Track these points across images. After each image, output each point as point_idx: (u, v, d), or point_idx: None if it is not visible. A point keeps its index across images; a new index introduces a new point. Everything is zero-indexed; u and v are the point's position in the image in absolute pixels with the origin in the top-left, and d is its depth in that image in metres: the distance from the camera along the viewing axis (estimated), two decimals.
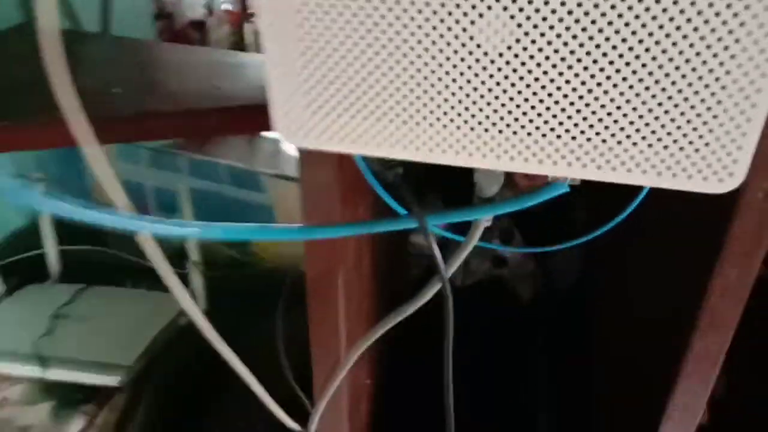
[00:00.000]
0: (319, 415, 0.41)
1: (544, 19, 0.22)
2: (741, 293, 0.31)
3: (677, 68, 0.22)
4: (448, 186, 0.37)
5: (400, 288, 0.67)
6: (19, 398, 0.81)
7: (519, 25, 0.22)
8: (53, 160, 1.06)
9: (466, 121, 0.25)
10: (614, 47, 0.22)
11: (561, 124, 0.24)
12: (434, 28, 0.23)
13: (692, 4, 0.20)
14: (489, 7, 0.22)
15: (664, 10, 0.20)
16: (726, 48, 0.21)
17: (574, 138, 0.24)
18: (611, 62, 0.22)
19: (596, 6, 0.21)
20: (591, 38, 0.22)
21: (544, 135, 0.24)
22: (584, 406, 0.58)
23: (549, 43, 0.22)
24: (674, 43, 0.21)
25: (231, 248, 0.99)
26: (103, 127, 0.34)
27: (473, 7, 0.22)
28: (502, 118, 0.24)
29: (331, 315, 0.36)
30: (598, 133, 0.23)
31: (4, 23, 0.93)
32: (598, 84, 0.22)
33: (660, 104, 0.22)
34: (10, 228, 1.08)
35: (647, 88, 0.22)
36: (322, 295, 0.35)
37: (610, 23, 0.21)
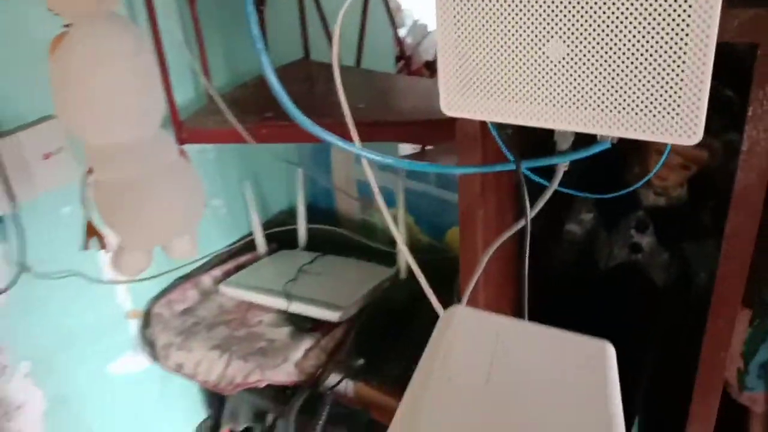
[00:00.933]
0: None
1: (578, 45, 0.40)
2: None
3: (652, 63, 0.39)
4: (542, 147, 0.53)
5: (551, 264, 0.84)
6: (270, 321, 1.12)
7: (568, 47, 0.41)
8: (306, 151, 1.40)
9: (553, 100, 0.44)
10: (613, 56, 0.39)
11: (590, 101, 0.42)
12: (537, 47, 0.43)
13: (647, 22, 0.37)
14: (552, 40, 0.41)
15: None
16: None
17: (596, 108, 0.41)
18: (615, 68, 0.40)
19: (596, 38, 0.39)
20: (599, 53, 0.40)
21: (583, 107, 0.42)
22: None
23: (583, 56, 0.40)
24: (641, 45, 0.38)
25: (430, 237, 1.23)
26: (345, 130, 0.57)
27: (548, 37, 0.41)
28: (566, 98, 0.43)
29: (473, 233, 0.56)
30: (613, 106, 0.41)
31: (293, 57, 1.30)
32: (608, 79, 0.40)
33: (643, 85, 0.39)
34: (275, 209, 1.44)
35: (634, 78, 0.39)
36: (468, 219, 0.55)
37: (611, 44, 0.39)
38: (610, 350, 0.37)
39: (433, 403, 0.33)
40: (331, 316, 1.05)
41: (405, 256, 1.14)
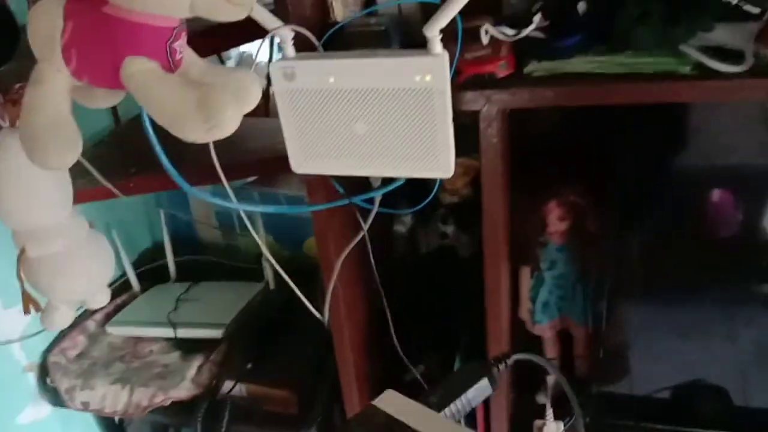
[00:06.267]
0: (328, 304, 0.83)
1: (374, 125, 0.64)
2: None
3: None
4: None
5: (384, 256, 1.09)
6: (159, 350, 1.26)
7: (368, 126, 0.65)
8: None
9: (362, 158, 0.67)
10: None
11: (385, 157, 0.66)
12: (349, 126, 0.66)
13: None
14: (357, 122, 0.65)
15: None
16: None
17: (389, 161, 0.66)
18: (398, 137, 0.64)
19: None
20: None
21: (381, 161, 0.66)
22: None
23: (378, 131, 0.64)
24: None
25: (290, 250, 1.43)
26: (205, 172, 0.75)
27: (354, 120, 0.65)
28: (371, 156, 0.67)
29: (327, 247, 0.78)
30: (399, 160, 0.65)
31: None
32: (395, 144, 0.64)
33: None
34: (141, 247, 1.56)
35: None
36: (322, 238, 0.78)
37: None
38: None
39: None
40: (215, 334, 1.22)
41: (269, 272, 1.34)
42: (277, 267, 0.84)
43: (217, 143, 0.64)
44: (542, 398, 1.10)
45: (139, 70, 0.47)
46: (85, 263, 0.72)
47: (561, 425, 1.05)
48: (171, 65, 0.50)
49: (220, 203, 0.72)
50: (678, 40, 0.61)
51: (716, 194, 0.92)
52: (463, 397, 0.49)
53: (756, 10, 0.59)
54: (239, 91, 0.48)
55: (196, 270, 1.46)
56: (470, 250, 1.08)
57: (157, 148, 0.61)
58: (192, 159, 0.69)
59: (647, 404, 1.04)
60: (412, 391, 1.06)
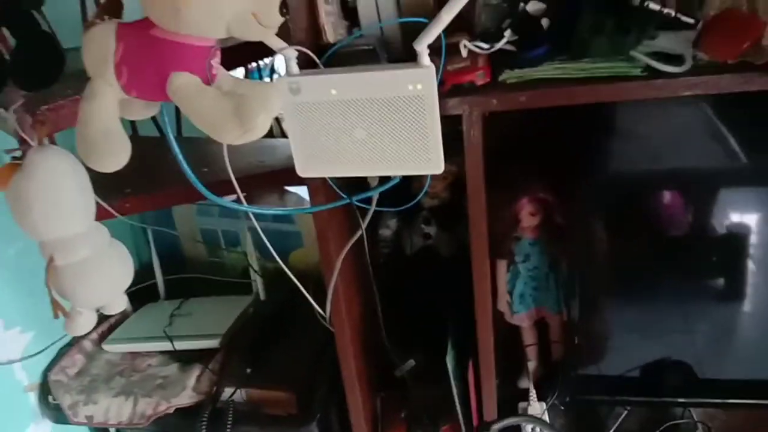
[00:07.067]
0: (329, 301, 0.91)
1: (371, 130, 0.73)
2: None
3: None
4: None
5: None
6: (158, 363, 1.31)
7: (366, 132, 0.73)
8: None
9: (361, 160, 0.76)
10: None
11: (381, 158, 0.75)
12: (349, 133, 0.74)
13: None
14: (357, 129, 0.73)
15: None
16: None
17: (385, 162, 0.74)
18: (391, 140, 0.73)
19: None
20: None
21: (378, 162, 0.75)
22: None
23: (375, 135, 0.73)
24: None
25: (274, 263, 1.50)
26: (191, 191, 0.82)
27: (354, 127, 0.73)
28: (369, 158, 0.75)
29: (328, 245, 0.86)
30: (393, 159, 0.74)
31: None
32: (389, 146, 0.73)
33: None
34: None
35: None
36: (323, 237, 0.85)
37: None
38: None
39: None
40: (211, 343, 1.28)
41: (259, 283, 1.41)
42: (282, 266, 0.91)
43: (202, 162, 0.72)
44: (524, 383, 1.19)
45: (184, 83, 0.55)
46: (108, 269, 0.78)
47: (544, 405, 1.13)
48: (209, 79, 0.58)
49: (249, 209, 0.79)
50: (628, 47, 0.72)
51: (667, 194, 1.03)
52: None
53: (692, 21, 0.71)
54: (267, 101, 0.57)
55: (183, 287, 1.51)
56: (451, 249, 1.17)
57: (183, 164, 0.68)
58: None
59: (620, 382, 1.13)
60: (402, 385, 1.14)
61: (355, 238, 0.81)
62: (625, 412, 1.13)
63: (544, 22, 0.76)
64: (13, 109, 0.70)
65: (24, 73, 0.73)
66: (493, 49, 0.77)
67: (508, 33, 0.76)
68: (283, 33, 0.73)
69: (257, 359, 1.26)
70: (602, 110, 0.89)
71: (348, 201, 0.80)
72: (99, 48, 0.57)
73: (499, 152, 1.02)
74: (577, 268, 1.10)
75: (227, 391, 1.21)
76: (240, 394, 1.22)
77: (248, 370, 1.23)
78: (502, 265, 1.17)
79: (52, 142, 0.88)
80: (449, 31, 0.71)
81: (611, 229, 1.06)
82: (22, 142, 0.71)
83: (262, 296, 1.41)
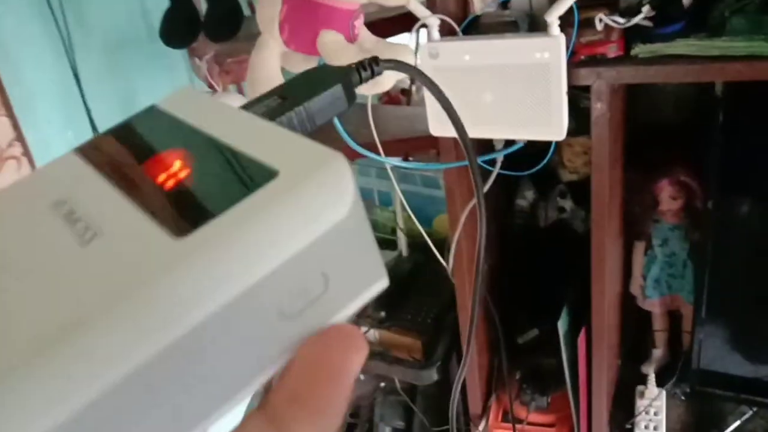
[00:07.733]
0: (452, 255, 0.99)
1: (499, 95, 0.79)
2: None
3: None
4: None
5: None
6: None
7: (493, 96, 0.80)
8: None
9: (489, 123, 0.83)
10: None
11: (507, 122, 0.80)
12: (477, 96, 0.81)
13: None
14: (485, 92, 0.80)
15: None
16: None
17: (511, 125, 0.80)
18: (514, 102, 0.78)
19: None
20: None
21: (505, 125, 0.81)
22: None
23: (504, 100, 0.79)
24: None
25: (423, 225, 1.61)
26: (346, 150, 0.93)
27: (483, 91, 0.80)
28: (496, 121, 0.82)
29: (455, 202, 0.94)
30: (519, 124, 0.80)
31: None
32: (517, 106, 0.79)
33: None
34: None
35: None
36: (451, 193, 0.94)
37: None
38: None
39: None
40: None
41: (403, 241, 1.53)
42: (416, 222, 1.02)
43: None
44: (647, 368, 1.18)
45: (330, 40, 0.66)
46: None
47: (663, 391, 1.12)
48: (351, 37, 0.69)
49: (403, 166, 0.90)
50: None
51: None
52: (304, 107, 0.35)
53: None
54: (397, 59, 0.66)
55: None
56: (584, 225, 1.19)
57: (339, 126, 0.80)
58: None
59: (748, 382, 1.08)
60: (523, 353, 1.19)
61: (474, 201, 0.88)
62: (750, 412, 1.08)
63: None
64: (205, 59, 0.86)
65: (213, 27, 0.90)
66: (629, 24, 0.79)
67: (646, 8, 0.78)
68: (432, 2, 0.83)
69: (392, 306, 1.38)
70: (756, 94, 0.86)
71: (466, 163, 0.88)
72: (269, 8, 0.71)
73: (644, 131, 1.03)
74: (714, 259, 1.07)
75: (362, 330, 1.35)
76: (373, 334, 1.35)
77: (383, 314, 1.36)
78: (639, 246, 1.17)
79: (240, 91, 1.05)
80: (589, 6, 0.75)
81: (756, 224, 1.02)
82: (210, 87, 0.88)
83: (404, 253, 1.53)
